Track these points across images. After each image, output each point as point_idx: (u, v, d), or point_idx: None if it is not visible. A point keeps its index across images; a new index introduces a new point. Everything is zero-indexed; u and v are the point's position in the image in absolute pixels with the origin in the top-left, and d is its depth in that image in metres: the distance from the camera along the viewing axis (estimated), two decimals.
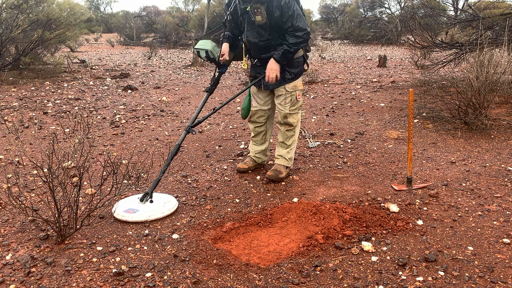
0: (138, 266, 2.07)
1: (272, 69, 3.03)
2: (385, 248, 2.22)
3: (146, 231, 2.42)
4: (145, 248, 2.25)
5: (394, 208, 2.66)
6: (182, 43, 19.31)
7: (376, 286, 1.91)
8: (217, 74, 3.23)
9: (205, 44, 3.12)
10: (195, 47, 3.15)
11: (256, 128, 3.40)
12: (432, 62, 7.77)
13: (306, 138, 4.30)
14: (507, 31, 5.52)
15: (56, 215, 2.20)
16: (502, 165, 3.45)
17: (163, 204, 2.69)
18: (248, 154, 3.51)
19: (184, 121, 5.17)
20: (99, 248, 2.23)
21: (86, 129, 4.53)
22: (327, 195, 2.92)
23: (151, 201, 2.68)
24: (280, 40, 2.99)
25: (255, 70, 3.26)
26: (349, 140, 4.26)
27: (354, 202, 2.81)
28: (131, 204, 2.65)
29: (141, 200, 2.67)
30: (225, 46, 3.14)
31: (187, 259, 2.13)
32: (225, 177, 3.30)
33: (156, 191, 2.98)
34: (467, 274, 1.99)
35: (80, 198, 2.78)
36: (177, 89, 7.47)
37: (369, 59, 12.43)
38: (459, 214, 2.60)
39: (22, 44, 8.44)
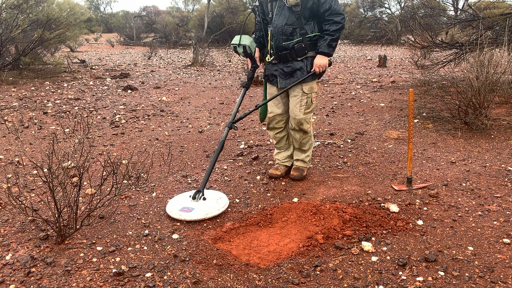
0: (138, 266, 2.07)
1: (321, 64, 2.93)
2: (385, 248, 2.22)
3: (146, 231, 2.42)
4: (145, 248, 2.25)
5: (394, 208, 2.66)
6: (182, 43, 19.31)
7: (376, 286, 1.91)
8: (251, 69, 3.16)
9: (242, 39, 3.01)
10: (232, 42, 3.05)
11: (277, 134, 3.28)
12: (432, 62, 7.77)
13: None
14: (507, 31, 5.52)
15: (56, 215, 2.20)
16: (502, 165, 3.45)
17: (216, 201, 2.68)
18: (277, 162, 3.38)
19: (184, 121, 5.17)
20: (99, 248, 2.23)
21: (86, 129, 4.53)
22: (327, 195, 2.92)
23: (204, 199, 2.67)
24: (303, 31, 2.91)
25: (270, 68, 3.14)
26: (349, 140, 4.26)
27: (354, 202, 2.81)
28: (184, 203, 2.64)
29: (193, 198, 2.66)
30: (256, 51, 3.12)
31: (187, 259, 2.13)
32: (225, 177, 3.30)
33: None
34: (467, 274, 1.99)
35: (80, 198, 2.78)
36: (177, 89, 7.47)
37: (369, 59, 12.43)
38: (459, 214, 2.60)
39: (22, 44, 8.43)
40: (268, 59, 3.10)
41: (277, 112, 3.20)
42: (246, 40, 3.00)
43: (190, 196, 2.70)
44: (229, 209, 2.73)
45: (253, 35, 3.18)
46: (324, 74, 3.07)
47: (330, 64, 3.01)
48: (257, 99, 6.50)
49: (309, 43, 2.95)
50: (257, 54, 3.13)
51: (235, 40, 3.03)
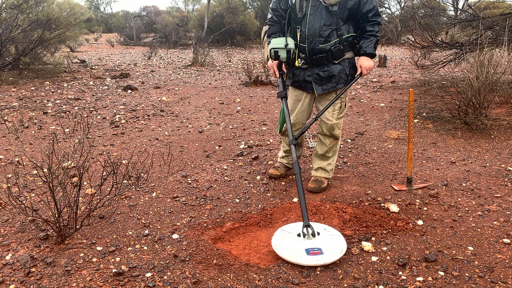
0: (138, 266, 2.07)
1: (369, 67, 2.76)
2: (385, 248, 2.22)
3: (146, 231, 2.42)
4: (145, 248, 2.25)
5: (394, 208, 2.66)
6: (182, 43, 19.31)
7: (376, 286, 1.91)
8: (282, 76, 2.92)
9: (286, 43, 2.70)
10: (272, 47, 2.72)
11: None
12: (432, 62, 7.77)
13: (306, 138, 4.30)
14: (507, 31, 5.52)
15: (56, 215, 2.20)
16: (502, 165, 3.45)
17: (329, 233, 2.31)
18: (279, 160, 3.29)
19: (184, 121, 5.17)
20: (99, 248, 2.23)
21: (86, 129, 4.53)
22: (327, 195, 2.92)
23: (318, 233, 2.27)
24: (341, 31, 2.71)
25: (301, 73, 2.87)
26: (349, 140, 4.26)
27: (354, 202, 2.81)
28: (300, 244, 2.21)
29: (304, 235, 2.25)
30: None
31: (187, 259, 2.13)
32: (225, 177, 3.30)
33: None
34: (467, 274, 1.99)
35: (80, 198, 2.78)
36: (177, 89, 7.46)
37: None
38: (459, 214, 2.60)
39: (22, 44, 8.43)
40: (298, 63, 2.83)
41: (300, 119, 2.99)
42: (291, 43, 2.70)
43: (298, 235, 2.27)
44: (229, 209, 2.74)
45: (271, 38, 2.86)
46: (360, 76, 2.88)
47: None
48: (258, 99, 6.50)
49: (345, 43, 2.76)
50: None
51: (278, 43, 2.70)
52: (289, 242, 2.23)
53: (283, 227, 2.40)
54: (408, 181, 3.02)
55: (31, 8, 8.04)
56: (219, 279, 1.97)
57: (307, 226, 2.25)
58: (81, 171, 2.33)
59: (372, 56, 2.78)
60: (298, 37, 2.77)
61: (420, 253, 2.17)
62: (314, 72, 2.82)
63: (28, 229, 2.42)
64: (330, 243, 2.19)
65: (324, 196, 2.91)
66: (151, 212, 2.69)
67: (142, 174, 3.26)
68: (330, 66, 2.79)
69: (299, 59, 2.83)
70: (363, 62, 2.77)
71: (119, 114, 5.42)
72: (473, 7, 7.41)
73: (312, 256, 2.09)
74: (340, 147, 4.04)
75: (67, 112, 5.48)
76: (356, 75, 2.83)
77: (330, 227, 2.37)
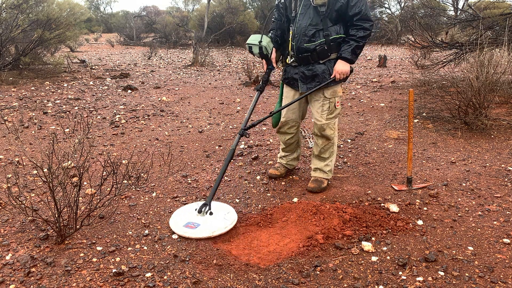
0: (138, 266, 2.07)
1: (342, 71, 2.75)
2: (385, 248, 2.22)
3: (146, 231, 2.42)
4: (145, 248, 2.25)
5: (394, 208, 2.66)
6: (182, 43, 19.31)
7: (376, 286, 1.91)
8: (266, 71, 3.01)
9: (259, 39, 2.84)
10: (248, 42, 2.88)
11: (287, 140, 3.16)
12: (432, 62, 7.77)
13: (306, 138, 4.30)
14: (507, 31, 5.52)
15: (56, 215, 2.20)
16: (502, 165, 3.45)
17: (224, 216, 2.46)
18: (278, 161, 3.33)
19: (184, 121, 5.16)
20: (99, 248, 2.23)
21: (86, 129, 4.53)
22: (327, 195, 2.92)
23: (211, 213, 2.46)
24: (327, 32, 2.73)
25: (290, 71, 2.95)
26: (349, 140, 4.26)
27: (354, 202, 2.81)
28: (189, 217, 2.44)
29: (199, 211, 2.46)
30: (273, 52, 2.94)
31: (187, 259, 2.13)
32: (225, 177, 3.30)
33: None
34: (467, 274, 1.99)
35: (80, 198, 2.78)
36: (177, 89, 7.46)
37: (369, 59, 12.43)
38: (459, 214, 2.60)
39: (22, 44, 8.43)
40: (288, 61, 2.92)
41: (291, 117, 3.06)
42: (264, 40, 2.84)
43: (195, 210, 2.49)
44: None
45: (269, 34, 2.96)
46: (347, 79, 2.88)
47: (351, 71, 2.81)
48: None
49: (332, 44, 2.76)
50: (273, 55, 2.95)
51: (253, 39, 2.86)
52: (184, 214, 2.50)
53: (198, 202, 2.66)
54: (408, 181, 3.02)
55: (31, 8, 8.03)
56: (219, 279, 1.97)
57: (204, 204, 2.50)
58: (81, 171, 2.33)
59: (348, 60, 2.76)
60: (291, 35, 2.86)
61: (420, 253, 2.17)
62: (300, 70, 2.89)
63: (28, 229, 2.42)
64: (213, 224, 2.37)
65: (324, 196, 2.91)
66: (151, 212, 2.69)
67: (142, 174, 3.26)
68: (315, 66, 2.84)
69: (289, 57, 2.92)
70: (337, 66, 2.78)
71: (119, 114, 5.42)
72: (473, 7, 7.41)
73: (184, 228, 2.34)
74: (340, 147, 4.04)
75: (67, 112, 5.48)
76: (330, 78, 2.83)
77: (234, 213, 2.55)
